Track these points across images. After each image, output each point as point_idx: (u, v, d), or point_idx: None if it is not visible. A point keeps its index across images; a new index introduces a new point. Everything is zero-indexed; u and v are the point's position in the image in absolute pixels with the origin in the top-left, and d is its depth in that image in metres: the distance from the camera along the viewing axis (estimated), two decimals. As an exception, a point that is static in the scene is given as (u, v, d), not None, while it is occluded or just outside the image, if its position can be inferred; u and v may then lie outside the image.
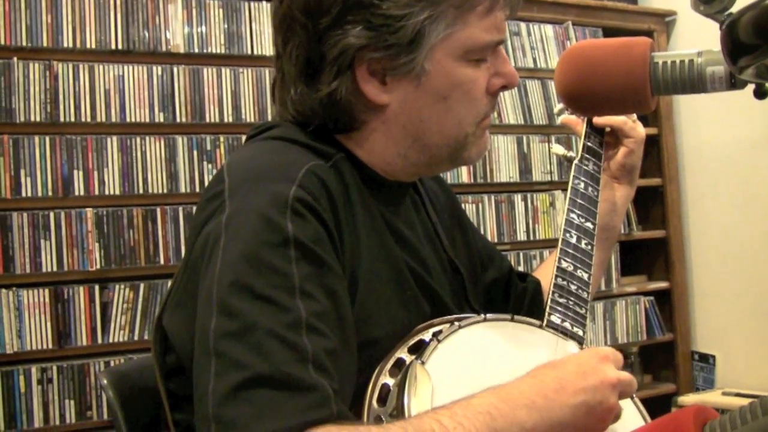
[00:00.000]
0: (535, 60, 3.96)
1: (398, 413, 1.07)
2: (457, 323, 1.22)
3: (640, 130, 1.61)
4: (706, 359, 4.22)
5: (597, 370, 1.08)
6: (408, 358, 1.16)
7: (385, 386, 1.13)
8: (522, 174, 3.90)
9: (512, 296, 1.58)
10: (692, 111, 4.29)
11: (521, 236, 3.86)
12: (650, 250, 4.35)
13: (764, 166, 3.91)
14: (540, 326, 1.32)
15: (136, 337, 3.01)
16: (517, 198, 3.87)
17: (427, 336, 1.20)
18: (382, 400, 1.12)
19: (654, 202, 4.33)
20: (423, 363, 1.13)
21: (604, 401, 1.06)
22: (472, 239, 1.54)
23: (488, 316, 1.26)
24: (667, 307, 4.32)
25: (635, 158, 1.62)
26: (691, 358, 4.29)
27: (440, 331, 1.20)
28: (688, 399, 3.88)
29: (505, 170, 3.86)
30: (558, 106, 1.72)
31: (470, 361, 1.20)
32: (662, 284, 4.32)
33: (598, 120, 1.60)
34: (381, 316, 1.19)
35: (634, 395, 1.28)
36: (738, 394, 3.77)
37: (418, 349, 1.18)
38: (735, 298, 4.09)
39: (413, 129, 1.24)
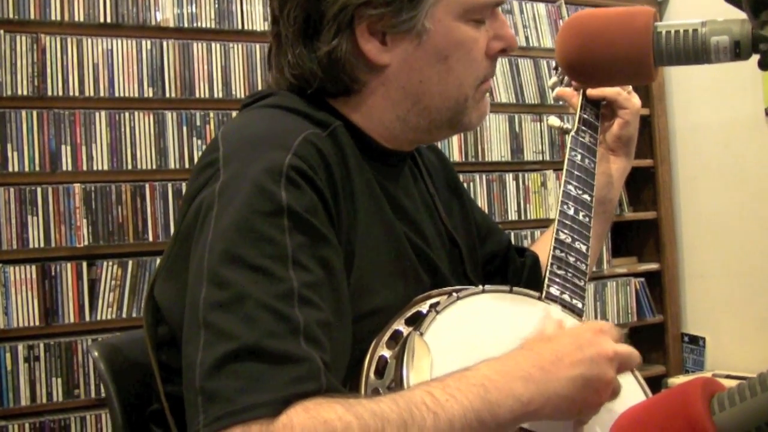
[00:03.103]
0: (527, 38, 3.94)
1: (396, 385, 1.05)
2: (455, 294, 1.20)
3: (635, 101, 1.59)
4: (696, 341, 4.22)
5: (593, 342, 1.06)
6: (405, 329, 1.15)
7: (382, 358, 1.11)
8: (513, 153, 3.89)
9: (510, 271, 1.57)
10: (685, 92, 4.28)
11: (512, 216, 3.86)
12: (641, 231, 4.36)
13: (756, 147, 3.91)
14: (539, 298, 1.30)
15: (124, 315, 3.01)
16: (509, 177, 3.87)
17: (424, 308, 1.18)
18: (379, 372, 1.10)
19: (645, 184, 4.33)
20: (421, 334, 1.11)
21: (601, 374, 1.04)
22: (470, 212, 1.52)
23: (486, 287, 1.24)
24: (657, 288, 4.32)
25: (631, 129, 1.60)
26: (681, 340, 4.29)
27: (438, 303, 1.18)
28: (678, 381, 3.88)
29: (497, 149, 3.85)
30: (552, 79, 1.71)
31: (469, 333, 1.17)
32: (653, 266, 4.32)
33: (592, 92, 1.59)
34: (379, 288, 1.17)
35: (636, 372, 1.26)
36: (728, 376, 3.77)
37: (415, 320, 1.16)
38: (726, 280, 4.09)
39: (413, 90, 1.22)
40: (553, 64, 3.97)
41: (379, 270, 1.18)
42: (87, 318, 2.94)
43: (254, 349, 0.92)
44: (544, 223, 3.90)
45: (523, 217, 3.89)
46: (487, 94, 1.31)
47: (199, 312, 0.97)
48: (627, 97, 1.58)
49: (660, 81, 4.23)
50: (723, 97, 4.03)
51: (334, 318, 1.02)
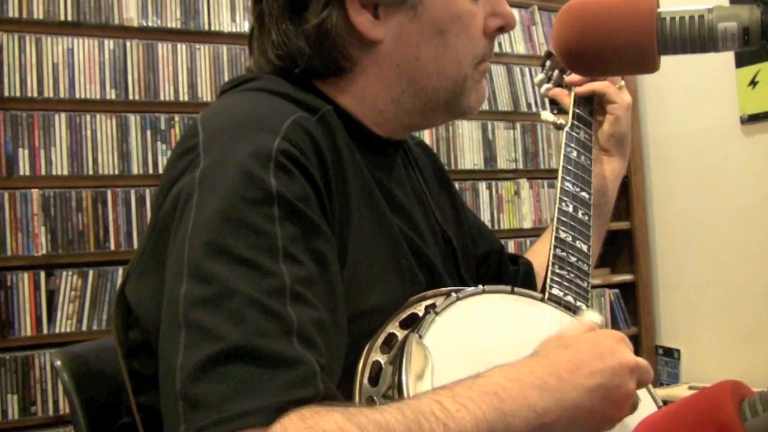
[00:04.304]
0: (500, 44, 3.94)
1: (395, 392, 0.98)
2: (454, 295, 1.13)
3: (626, 97, 1.55)
4: (671, 353, 4.21)
5: (615, 351, 0.99)
6: (400, 333, 1.07)
7: (376, 364, 1.04)
8: (487, 161, 3.88)
9: (503, 278, 1.50)
10: (658, 100, 4.29)
11: (485, 225, 3.81)
12: (614, 241, 4.34)
13: (730, 156, 3.92)
14: (541, 299, 1.23)
15: (84, 328, 2.94)
16: (482, 186, 3.85)
17: (419, 310, 1.11)
18: (373, 379, 1.03)
19: (618, 193, 4.29)
20: (420, 337, 1.03)
21: (622, 385, 0.97)
22: (462, 211, 1.47)
23: (486, 287, 1.17)
24: (631, 300, 4.32)
25: (623, 126, 1.56)
26: (656, 353, 4.27)
27: (434, 305, 1.11)
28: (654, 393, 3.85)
29: (469, 157, 3.84)
30: (539, 76, 1.68)
31: (471, 336, 1.10)
32: (627, 277, 4.31)
33: (580, 89, 1.55)
34: (373, 285, 1.09)
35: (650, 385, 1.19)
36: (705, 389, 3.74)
37: (411, 323, 1.09)
38: (700, 292, 4.09)
39: (408, 69, 1.16)
40: (528, 70, 3.98)
41: (374, 266, 1.10)
42: (45, 331, 2.88)
43: (243, 350, 0.84)
44: (518, 233, 3.88)
45: (496, 227, 3.86)
46: (485, 79, 1.26)
47: (179, 310, 0.88)
48: (617, 90, 1.54)
49: (632, 88, 4.22)
50: (697, 105, 4.04)
51: (329, 317, 0.94)
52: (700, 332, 4.09)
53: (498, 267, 1.50)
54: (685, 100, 4.10)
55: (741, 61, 3.74)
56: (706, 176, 4.03)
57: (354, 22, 1.11)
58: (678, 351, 4.17)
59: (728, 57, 3.77)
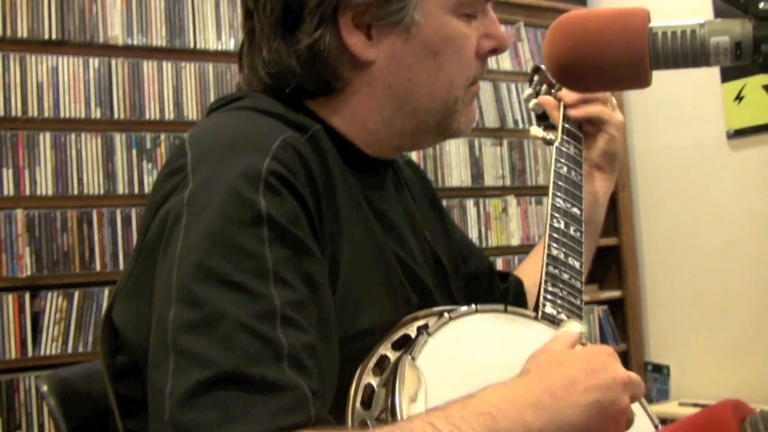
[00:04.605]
0: (486, 61, 3.91)
1: (387, 416, 0.96)
2: (447, 315, 1.11)
3: (618, 116, 1.56)
4: (660, 370, 4.20)
5: (607, 366, 0.98)
6: (392, 355, 1.06)
7: (368, 387, 1.02)
8: (474, 178, 3.88)
9: (493, 296, 1.49)
10: (643, 116, 4.30)
11: (473, 243, 3.81)
12: (602, 258, 4.33)
13: (718, 172, 3.92)
14: (535, 318, 1.22)
15: (69, 350, 2.91)
16: (469, 203, 3.85)
17: (411, 330, 1.10)
18: (366, 402, 1.01)
19: (606, 210, 4.29)
20: (413, 359, 1.01)
21: (616, 401, 0.96)
22: (451, 229, 1.45)
23: (479, 307, 1.15)
24: (619, 316, 4.31)
25: (618, 144, 1.57)
26: (645, 369, 4.26)
27: (426, 325, 1.09)
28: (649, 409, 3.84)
29: (457, 174, 3.83)
30: (527, 91, 1.67)
31: (465, 356, 1.09)
32: (615, 293, 4.31)
33: (574, 113, 1.54)
34: (365, 307, 1.08)
35: (643, 400, 1.18)
36: (695, 405, 3.74)
37: (403, 344, 1.07)
38: (689, 308, 4.08)
39: (400, 90, 1.15)
40: (514, 87, 3.98)
41: (366, 287, 1.08)
42: (30, 353, 2.85)
43: (233, 376, 0.83)
44: (505, 251, 3.87)
45: (484, 244, 3.86)
46: (475, 101, 1.25)
47: (167, 334, 0.87)
48: (610, 111, 1.54)
49: (619, 104, 4.21)
50: (684, 120, 4.05)
51: (320, 340, 0.93)
52: (690, 348, 4.09)
53: (488, 285, 1.49)
54: (672, 115, 4.10)
55: (726, 76, 3.75)
56: (693, 191, 4.03)
57: (347, 43, 1.10)
58: (667, 367, 4.16)
59: (713, 72, 3.78)
